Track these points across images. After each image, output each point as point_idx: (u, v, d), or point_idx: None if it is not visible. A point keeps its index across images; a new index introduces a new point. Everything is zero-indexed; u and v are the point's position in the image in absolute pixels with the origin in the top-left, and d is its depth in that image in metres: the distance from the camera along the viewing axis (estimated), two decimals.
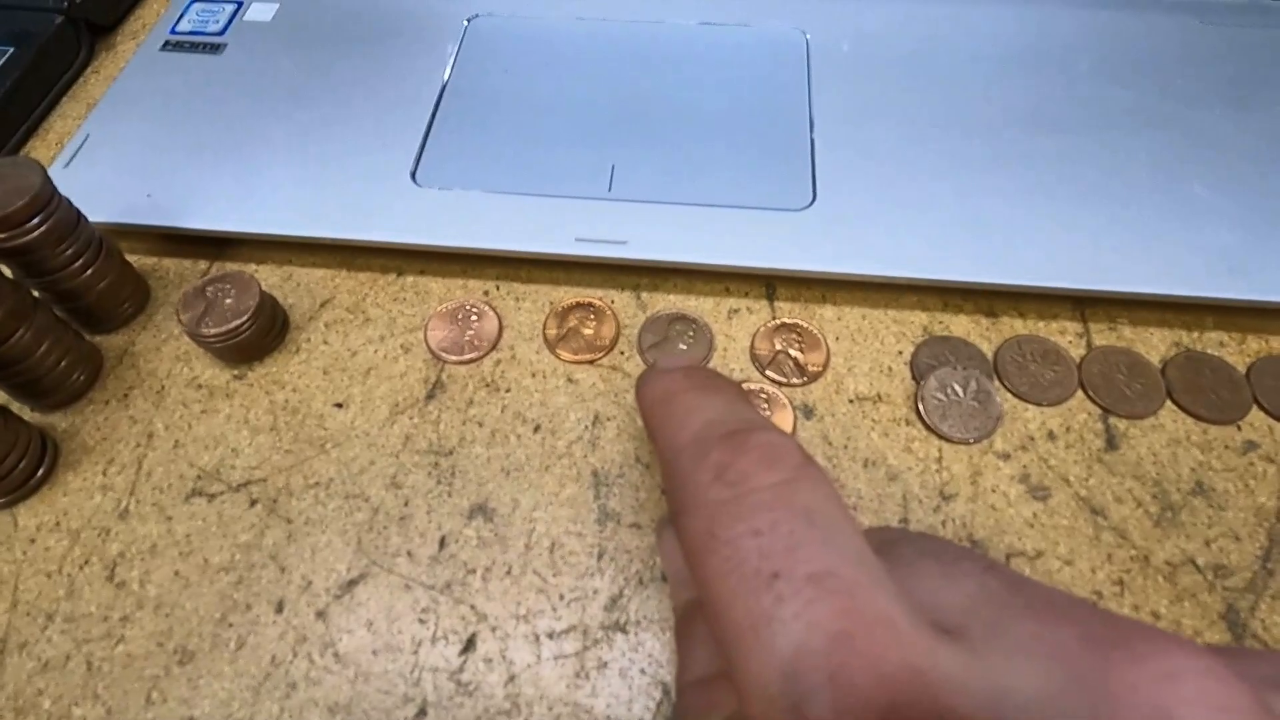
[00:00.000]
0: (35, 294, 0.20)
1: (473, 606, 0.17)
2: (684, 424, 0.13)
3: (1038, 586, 0.11)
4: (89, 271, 0.20)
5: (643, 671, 0.17)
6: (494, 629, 0.17)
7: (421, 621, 0.17)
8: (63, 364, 0.20)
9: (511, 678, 0.17)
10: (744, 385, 0.20)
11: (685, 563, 0.12)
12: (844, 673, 0.09)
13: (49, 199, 0.19)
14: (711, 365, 0.21)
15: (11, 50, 0.26)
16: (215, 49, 0.26)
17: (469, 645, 0.17)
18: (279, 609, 0.17)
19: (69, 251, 0.20)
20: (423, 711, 0.16)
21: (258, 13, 0.27)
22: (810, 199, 0.22)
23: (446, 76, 0.25)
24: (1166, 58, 0.25)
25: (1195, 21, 0.26)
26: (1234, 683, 0.09)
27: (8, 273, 0.19)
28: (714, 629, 0.11)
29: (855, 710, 0.09)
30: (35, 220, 0.19)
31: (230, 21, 0.27)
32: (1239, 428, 0.20)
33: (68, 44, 0.28)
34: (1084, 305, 0.22)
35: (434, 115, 0.24)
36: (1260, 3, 0.26)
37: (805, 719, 0.09)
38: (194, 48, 0.26)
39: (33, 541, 0.18)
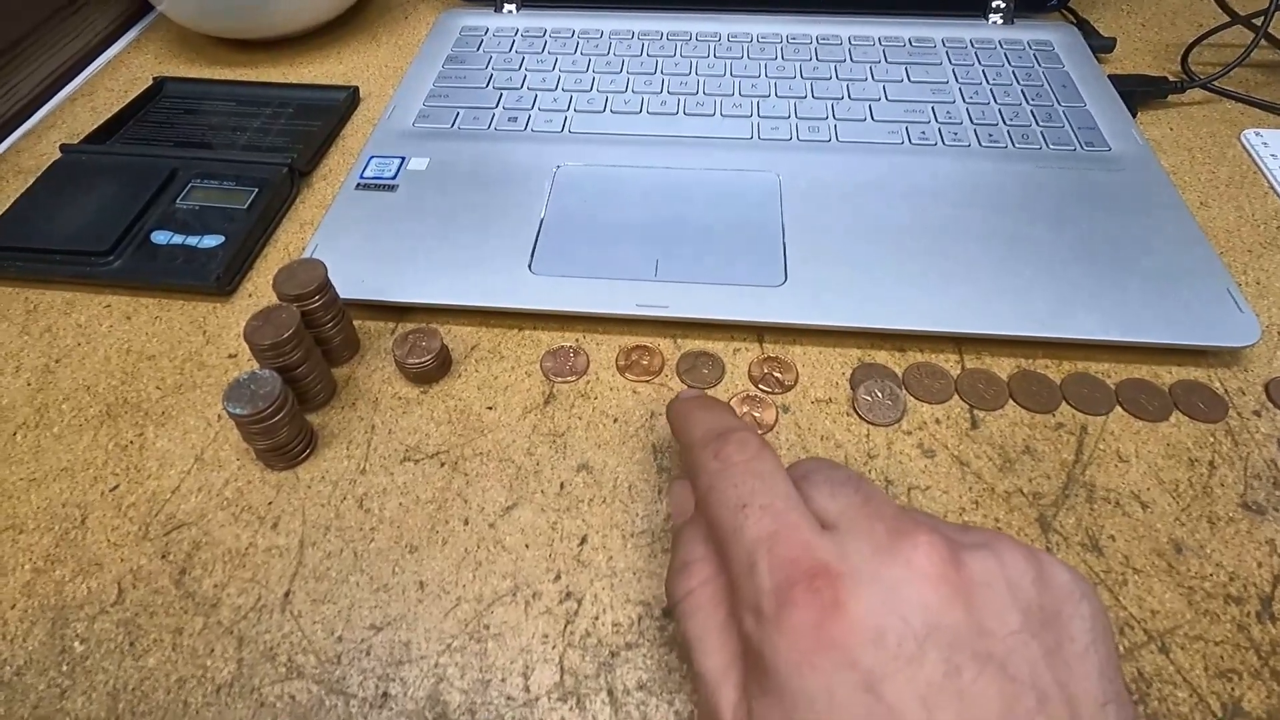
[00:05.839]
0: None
1: (584, 520, 0.29)
2: (695, 429, 0.24)
3: (882, 502, 0.20)
4: (336, 326, 0.33)
5: None
6: (598, 532, 0.28)
7: (553, 528, 0.29)
8: (320, 383, 0.32)
9: (610, 558, 0.28)
10: (744, 393, 0.32)
11: (696, 501, 0.22)
12: (773, 549, 0.18)
13: (326, 282, 0.32)
14: (723, 384, 0.33)
15: (256, 190, 0.40)
16: (391, 188, 0.40)
17: (583, 541, 0.28)
18: (465, 523, 0.29)
19: (330, 314, 0.32)
20: (558, 576, 0.27)
21: (416, 165, 0.41)
22: (783, 279, 0.35)
23: (545, 203, 0.39)
24: (1011, 191, 0.38)
25: (1033, 168, 0.40)
26: (945, 544, 0.18)
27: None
28: (713, 533, 0.21)
29: (777, 565, 0.18)
30: (318, 295, 0.31)
31: (398, 170, 0.41)
32: (1053, 415, 0.31)
33: (286, 185, 0.42)
34: (960, 343, 0.34)
35: (540, 229, 0.37)
36: (1076, 154, 0.40)
37: (756, 570, 0.18)
38: (377, 188, 0.40)
39: (310, 487, 0.30)
